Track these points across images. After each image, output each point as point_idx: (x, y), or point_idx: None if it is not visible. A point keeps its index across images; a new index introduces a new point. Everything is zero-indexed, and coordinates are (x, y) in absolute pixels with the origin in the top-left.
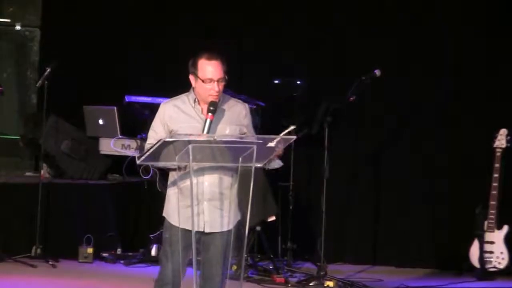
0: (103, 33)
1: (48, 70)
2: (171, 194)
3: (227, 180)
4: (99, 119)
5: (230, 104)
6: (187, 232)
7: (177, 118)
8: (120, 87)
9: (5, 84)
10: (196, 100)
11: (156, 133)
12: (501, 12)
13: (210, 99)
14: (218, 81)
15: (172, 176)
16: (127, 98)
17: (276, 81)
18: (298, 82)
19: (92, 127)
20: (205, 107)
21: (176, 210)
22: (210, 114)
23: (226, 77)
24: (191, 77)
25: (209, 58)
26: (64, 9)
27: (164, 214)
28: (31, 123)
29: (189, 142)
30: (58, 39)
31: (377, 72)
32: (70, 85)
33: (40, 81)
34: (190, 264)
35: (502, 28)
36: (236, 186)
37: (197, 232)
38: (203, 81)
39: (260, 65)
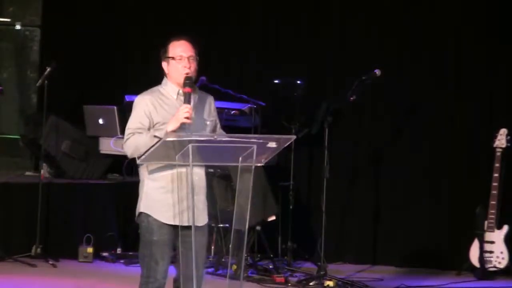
0: (103, 33)
1: (48, 70)
2: (154, 190)
3: (204, 173)
4: (99, 119)
5: (201, 96)
6: (175, 229)
7: (162, 110)
8: (120, 87)
9: (5, 84)
10: (179, 92)
11: (143, 125)
12: (501, 12)
13: (184, 75)
14: (189, 58)
15: (152, 170)
16: (127, 98)
17: (276, 81)
18: (298, 82)
19: (92, 127)
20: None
21: (164, 206)
22: (187, 87)
23: (198, 58)
24: (164, 64)
25: (178, 39)
26: (64, 9)
27: (147, 211)
28: (31, 123)
29: (189, 141)
30: (58, 39)
31: (377, 72)
32: (70, 85)
33: (40, 81)
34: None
35: (502, 28)
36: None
37: (179, 227)
38: (173, 58)
39: (260, 65)
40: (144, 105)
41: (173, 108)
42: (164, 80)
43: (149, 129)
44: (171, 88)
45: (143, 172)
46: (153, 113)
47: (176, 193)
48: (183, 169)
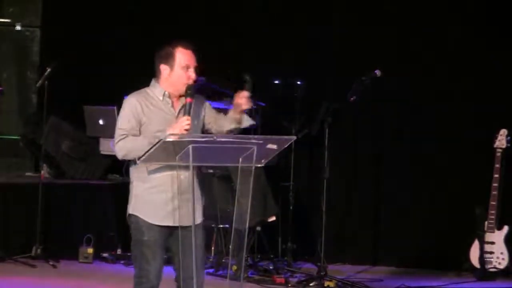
0: (103, 33)
1: (48, 70)
2: (143, 191)
3: (193, 172)
4: (99, 119)
5: (195, 101)
6: (166, 230)
7: (148, 110)
8: (120, 87)
9: (5, 84)
10: (165, 93)
11: (132, 126)
12: (501, 12)
13: (186, 84)
14: (194, 68)
15: (141, 171)
16: None
17: (276, 81)
18: (298, 82)
19: (92, 127)
20: (175, 100)
21: (153, 207)
22: (188, 97)
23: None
24: (164, 67)
25: (186, 47)
26: (64, 9)
27: (136, 213)
28: (31, 123)
29: (189, 142)
30: (58, 39)
31: (377, 72)
32: (70, 85)
33: (40, 81)
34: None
35: (502, 28)
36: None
37: (169, 228)
38: (181, 67)
39: (260, 65)
40: (132, 106)
41: (158, 109)
42: (152, 82)
43: (139, 131)
44: (158, 90)
45: (132, 173)
46: (140, 113)
47: (165, 194)
48: (174, 171)
